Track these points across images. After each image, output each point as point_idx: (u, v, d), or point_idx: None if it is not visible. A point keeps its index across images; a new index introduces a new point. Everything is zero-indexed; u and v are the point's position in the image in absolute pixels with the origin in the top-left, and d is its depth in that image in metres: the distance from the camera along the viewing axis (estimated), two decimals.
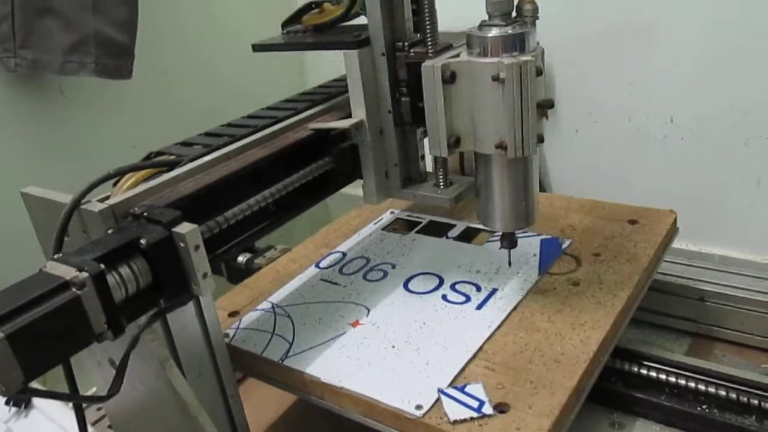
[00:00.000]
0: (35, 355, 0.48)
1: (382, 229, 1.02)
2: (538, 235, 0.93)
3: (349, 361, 0.73)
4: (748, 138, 1.01)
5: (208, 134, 0.74)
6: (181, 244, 0.56)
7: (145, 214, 0.57)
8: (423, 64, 0.68)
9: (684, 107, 1.05)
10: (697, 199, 1.09)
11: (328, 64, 1.42)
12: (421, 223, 1.02)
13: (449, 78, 0.67)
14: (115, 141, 1.11)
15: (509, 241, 0.78)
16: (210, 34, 1.27)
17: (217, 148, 0.68)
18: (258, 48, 0.87)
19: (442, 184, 0.81)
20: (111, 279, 0.52)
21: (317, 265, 0.94)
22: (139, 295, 0.55)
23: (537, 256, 0.88)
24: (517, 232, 0.77)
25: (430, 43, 0.72)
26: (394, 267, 0.90)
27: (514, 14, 0.66)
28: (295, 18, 0.87)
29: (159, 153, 0.69)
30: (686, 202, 1.09)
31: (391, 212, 1.07)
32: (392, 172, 0.82)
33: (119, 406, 0.70)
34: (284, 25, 0.88)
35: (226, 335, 0.80)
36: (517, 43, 0.64)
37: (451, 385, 0.67)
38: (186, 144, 0.71)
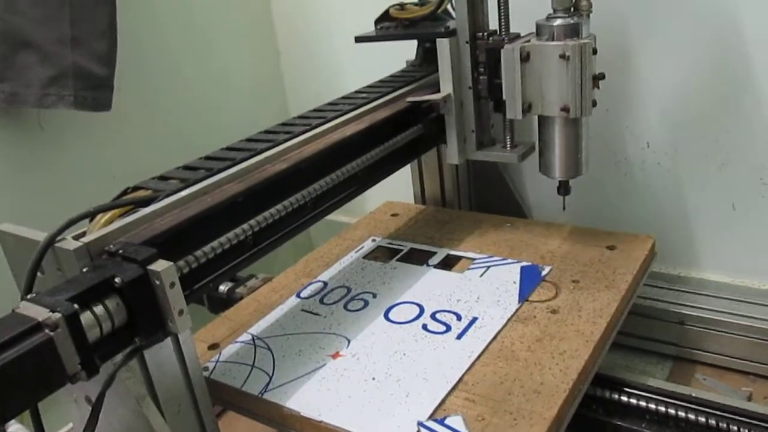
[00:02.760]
0: (7, 398, 0.47)
1: (364, 257, 1.02)
2: (518, 262, 0.94)
3: (329, 394, 0.72)
4: (722, 163, 1.03)
5: (186, 167, 0.74)
6: (157, 282, 0.55)
7: (121, 251, 0.57)
8: (504, 47, 0.87)
9: (660, 133, 1.06)
10: (674, 223, 1.10)
11: (311, 93, 1.43)
12: (402, 250, 1.02)
13: (525, 57, 0.85)
14: (96, 173, 1.10)
15: (565, 188, 0.94)
16: (192, 65, 1.28)
17: (195, 182, 0.68)
18: (360, 39, 1.03)
19: (509, 146, 0.98)
20: (85, 319, 0.52)
21: (298, 295, 0.94)
22: (114, 333, 0.55)
23: (517, 284, 0.88)
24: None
25: (504, 33, 0.92)
26: (375, 296, 0.90)
27: (572, 9, 0.83)
28: (385, 16, 1.03)
29: (136, 188, 0.69)
30: (663, 225, 1.10)
31: (373, 240, 1.07)
32: (469, 137, 0.99)
33: None
34: (377, 22, 1.04)
35: (206, 368, 0.79)
36: (576, 30, 0.83)
37: (431, 417, 0.67)
38: (163, 178, 0.71)
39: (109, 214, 0.64)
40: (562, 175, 0.92)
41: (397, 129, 0.92)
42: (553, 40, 0.84)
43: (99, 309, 0.53)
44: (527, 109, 0.88)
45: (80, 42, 0.91)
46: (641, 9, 1.01)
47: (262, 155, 0.74)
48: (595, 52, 0.84)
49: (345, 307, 0.89)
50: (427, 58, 1.09)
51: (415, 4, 1.03)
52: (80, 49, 0.92)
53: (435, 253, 1.00)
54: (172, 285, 0.56)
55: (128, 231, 0.61)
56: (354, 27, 1.05)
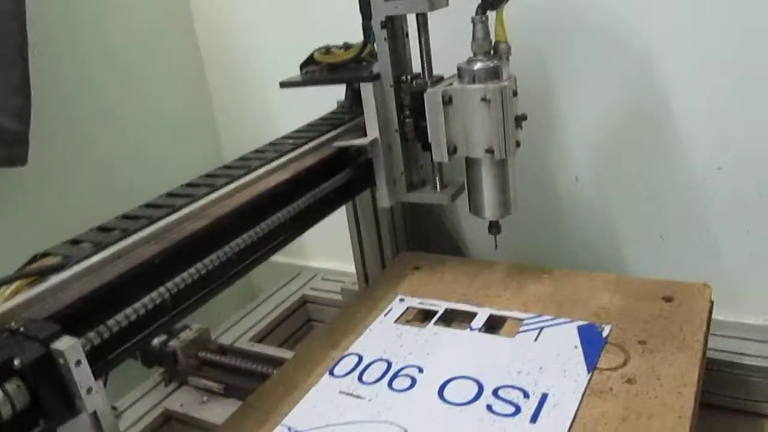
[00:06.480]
0: None
1: (395, 321, 0.91)
2: (572, 321, 0.84)
3: None
4: (648, 195, 1.05)
5: (100, 229, 0.71)
6: (61, 361, 0.53)
7: (22, 329, 0.54)
8: (426, 91, 0.88)
9: (588, 168, 1.08)
10: (606, 256, 1.12)
11: (245, 134, 1.41)
12: (437, 312, 0.91)
13: (448, 100, 0.86)
14: (15, 231, 1.06)
15: (496, 227, 0.95)
16: (120, 112, 1.25)
17: (107, 245, 0.66)
18: (285, 84, 1.02)
19: (438, 186, 1.00)
20: None
21: (331, 373, 0.82)
22: (16, 417, 0.52)
23: (579, 348, 0.79)
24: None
25: (427, 76, 0.93)
26: (421, 371, 0.79)
27: (492, 52, 0.85)
28: (310, 60, 1.03)
29: (45, 254, 0.66)
30: (596, 259, 1.12)
31: (401, 299, 0.96)
32: (399, 179, 1.00)
33: None
34: (302, 66, 1.04)
35: None
36: (496, 73, 0.84)
37: None
38: (75, 242, 0.68)
39: (14, 285, 0.61)
40: (491, 215, 0.93)
41: (325, 175, 0.91)
42: (474, 83, 0.85)
43: None
44: (453, 151, 0.89)
45: None
46: (562, 50, 1.03)
47: (179, 212, 0.72)
48: (515, 93, 0.85)
49: (390, 385, 0.77)
50: (357, 98, 1.09)
51: (340, 48, 1.03)
52: None
53: (476, 314, 0.89)
54: (78, 363, 0.53)
55: (33, 304, 0.58)
56: (284, 67, 1.05)
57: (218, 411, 0.99)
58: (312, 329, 1.35)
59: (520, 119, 0.87)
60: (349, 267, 1.27)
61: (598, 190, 1.09)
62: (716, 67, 0.94)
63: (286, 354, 1.12)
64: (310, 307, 1.35)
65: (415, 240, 1.21)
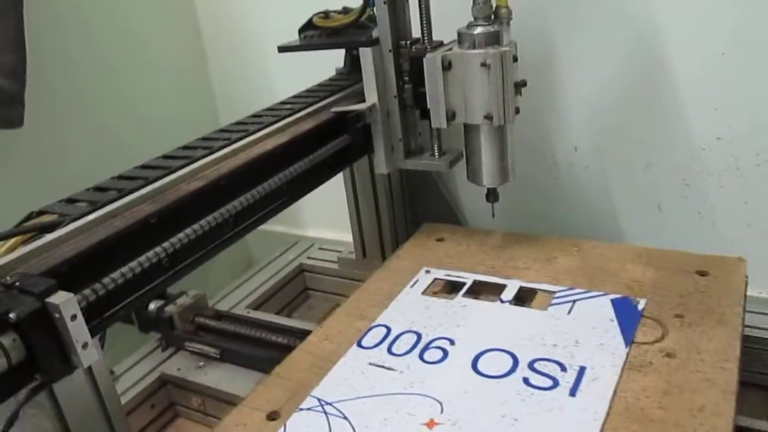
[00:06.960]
0: None
1: (422, 293, 0.88)
2: (606, 294, 0.81)
3: None
4: (647, 165, 1.05)
5: (96, 189, 0.71)
6: (56, 315, 0.53)
7: (18, 283, 0.54)
8: (426, 56, 0.87)
9: (586, 137, 1.08)
10: (603, 225, 1.12)
11: (242, 100, 1.40)
12: (464, 283, 0.88)
13: (447, 66, 0.85)
14: (11, 191, 1.06)
15: (494, 195, 0.95)
16: (113, 75, 1.24)
17: (103, 205, 0.65)
18: (283, 49, 1.02)
19: (437, 153, 0.99)
20: None
21: (359, 345, 0.79)
22: (13, 370, 0.52)
23: (615, 322, 0.77)
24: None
25: (427, 41, 0.92)
26: (452, 343, 0.77)
27: (493, 17, 0.85)
28: (309, 25, 1.03)
29: (41, 212, 0.66)
30: (594, 228, 1.12)
31: (426, 271, 0.93)
32: (397, 146, 0.99)
33: None
34: (301, 30, 1.03)
35: None
36: (497, 38, 0.84)
37: None
38: (70, 201, 0.68)
39: (10, 242, 0.61)
40: (489, 182, 0.92)
41: (323, 140, 0.91)
42: (474, 48, 0.84)
43: None
44: (451, 117, 0.88)
45: None
46: (562, 16, 1.02)
47: (176, 173, 0.72)
48: (515, 59, 0.84)
49: (421, 357, 0.75)
50: (355, 65, 1.08)
51: (339, 12, 1.02)
52: None
53: (505, 286, 0.86)
54: (74, 317, 0.53)
55: (28, 260, 0.58)
56: (283, 32, 1.04)
57: (214, 375, 0.99)
58: (309, 298, 1.35)
59: (519, 85, 0.86)
60: (346, 237, 1.27)
61: (596, 160, 1.09)
62: (717, 38, 0.94)
63: (283, 321, 1.13)
64: (306, 276, 1.35)
65: (413, 209, 1.21)
